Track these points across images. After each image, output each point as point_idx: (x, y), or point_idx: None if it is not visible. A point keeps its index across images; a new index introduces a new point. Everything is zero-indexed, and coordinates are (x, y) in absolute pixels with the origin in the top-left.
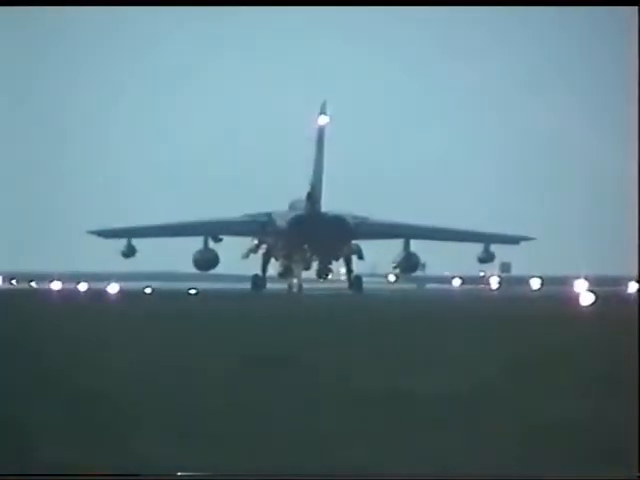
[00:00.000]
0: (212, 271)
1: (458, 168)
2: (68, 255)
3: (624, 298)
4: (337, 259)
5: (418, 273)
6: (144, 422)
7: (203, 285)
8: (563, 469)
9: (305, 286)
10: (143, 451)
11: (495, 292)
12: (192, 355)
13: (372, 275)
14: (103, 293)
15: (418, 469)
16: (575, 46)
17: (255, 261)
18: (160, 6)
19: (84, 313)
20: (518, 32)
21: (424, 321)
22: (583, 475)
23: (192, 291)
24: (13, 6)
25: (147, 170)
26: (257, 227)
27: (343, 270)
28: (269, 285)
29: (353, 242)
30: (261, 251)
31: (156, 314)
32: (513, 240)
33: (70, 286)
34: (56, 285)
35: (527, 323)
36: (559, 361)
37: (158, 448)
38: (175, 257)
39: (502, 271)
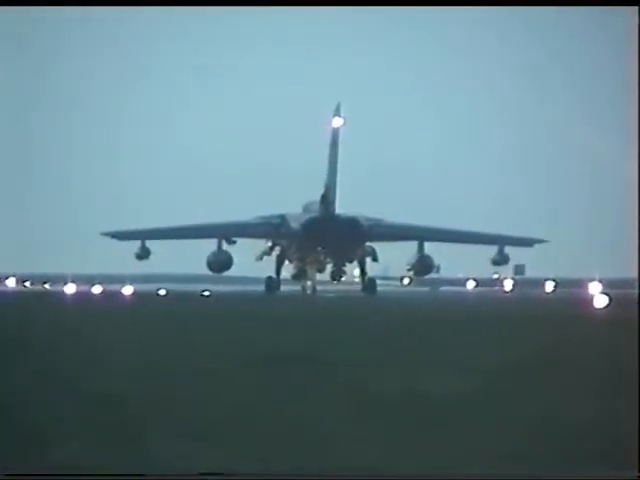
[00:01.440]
0: (226, 273)
1: (473, 171)
2: (83, 257)
3: (637, 300)
4: (351, 261)
5: (432, 275)
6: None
7: (217, 287)
8: (563, 469)
9: (319, 288)
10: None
11: (509, 294)
12: (209, 356)
13: (385, 277)
14: (117, 295)
15: (418, 469)
16: (575, 46)
17: (269, 263)
18: (171, 6)
19: (96, 314)
20: (518, 32)
21: (435, 323)
22: (583, 475)
23: (205, 293)
24: (13, 6)
25: (161, 172)
26: (271, 229)
27: (357, 272)
28: (283, 287)
29: (367, 244)
30: (275, 253)
31: (171, 315)
32: (527, 242)
33: (84, 288)
34: (70, 287)
35: (539, 325)
36: (573, 363)
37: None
38: (189, 259)
39: (516, 273)
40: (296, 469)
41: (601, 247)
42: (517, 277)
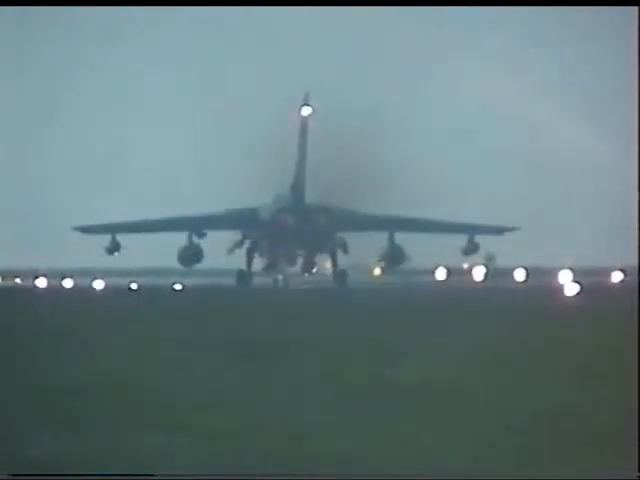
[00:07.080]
0: (197, 266)
1: (442, 160)
2: (54, 251)
3: (608, 288)
4: (322, 252)
5: (403, 265)
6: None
7: (188, 280)
8: (563, 469)
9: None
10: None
11: (479, 284)
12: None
13: (356, 268)
14: (88, 289)
15: (418, 469)
16: (574, 46)
17: (241, 255)
18: (157, 6)
19: (66, 309)
20: (516, 32)
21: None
22: (583, 475)
23: (177, 287)
24: (13, 6)
25: (130, 165)
26: (241, 221)
27: (328, 264)
28: (254, 279)
29: (338, 235)
30: (246, 246)
31: (145, 310)
32: (497, 230)
33: (55, 282)
34: (41, 281)
35: (510, 315)
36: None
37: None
38: (160, 252)
39: (487, 262)
40: (295, 469)
41: (573, 234)
42: (488, 266)
